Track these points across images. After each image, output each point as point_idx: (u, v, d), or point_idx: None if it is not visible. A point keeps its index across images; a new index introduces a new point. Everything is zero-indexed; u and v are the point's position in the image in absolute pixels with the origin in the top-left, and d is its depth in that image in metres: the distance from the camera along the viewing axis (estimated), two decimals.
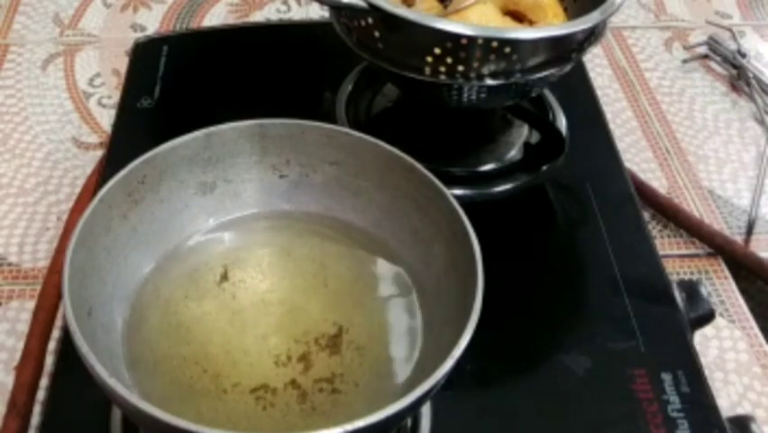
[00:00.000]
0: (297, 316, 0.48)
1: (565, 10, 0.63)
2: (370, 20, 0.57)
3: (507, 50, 0.55)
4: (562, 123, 0.68)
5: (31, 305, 0.63)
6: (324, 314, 0.48)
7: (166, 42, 0.79)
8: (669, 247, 0.71)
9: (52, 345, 0.60)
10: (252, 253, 0.50)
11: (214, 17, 0.95)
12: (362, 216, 0.52)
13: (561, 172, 0.65)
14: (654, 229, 0.73)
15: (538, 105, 0.70)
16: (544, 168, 0.64)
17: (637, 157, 0.80)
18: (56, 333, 0.61)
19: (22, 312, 0.65)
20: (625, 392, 0.53)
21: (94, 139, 0.80)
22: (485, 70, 0.56)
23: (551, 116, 0.69)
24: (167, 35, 0.85)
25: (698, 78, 0.90)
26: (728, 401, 0.61)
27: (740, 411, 0.61)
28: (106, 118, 0.82)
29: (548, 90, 0.70)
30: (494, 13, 0.61)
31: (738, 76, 0.88)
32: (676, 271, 0.69)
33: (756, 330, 0.66)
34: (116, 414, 0.50)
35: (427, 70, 0.57)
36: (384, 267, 0.51)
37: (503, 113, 0.68)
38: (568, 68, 0.59)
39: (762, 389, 0.62)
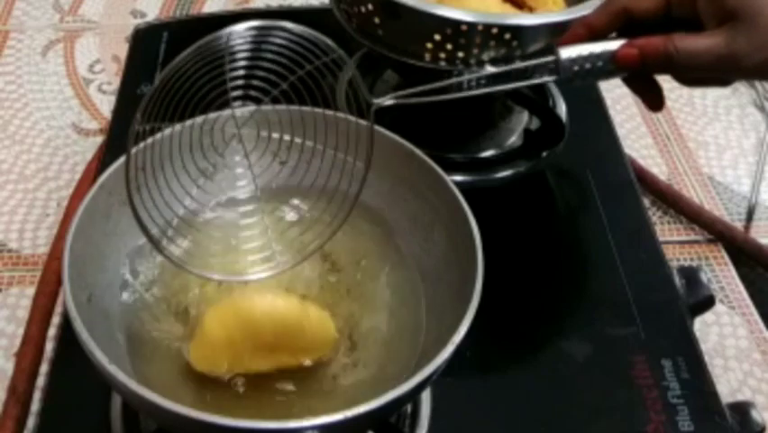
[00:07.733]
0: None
1: None
2: (369, 6, 0.57)
3: (507, 36, 0.55)
4: (562, 109, 0.68)
5: (31, 291, 0.63)
6: (327, 300, 0.48)
7: (166, 29, 0.79)
8: (669, 233, 0.71)
9: (52, 332, 0.60)
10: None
11: (214, 3, 0.95)
12: (363, 202, 0.52)
13: (561, 159, 0.65)
14: (654, 215, 0.72)
15: (538, 92, 0.69)
16: (545, 154, 0.64)
17: (637, 143, 0.79)
18: (56, 319, 0.61)
19: (22, 298, 0.65)
20: (625, 378, 0.53)
21: (94, 125, 0.80)
22: (485, 57, 0.56)
23: (551, 103, 0.69)
24: (167, 21, 0.85)
25: None
26: (728, 388, 0.61)
27: (740, 397, 0.61)
28: (106, 104, 0.81)
29: None
30: (494, 0, 0.60)
31: None
32: (676, 257, 0.69)
33: (756, 316, 0.66)
34: (116, 400, 0.50)
35: (427, 57, 0.57)
36: (384, 253, 0.51)
37: (503, 99, 0.68)
38: None
39: (762, 375, 0.62)
